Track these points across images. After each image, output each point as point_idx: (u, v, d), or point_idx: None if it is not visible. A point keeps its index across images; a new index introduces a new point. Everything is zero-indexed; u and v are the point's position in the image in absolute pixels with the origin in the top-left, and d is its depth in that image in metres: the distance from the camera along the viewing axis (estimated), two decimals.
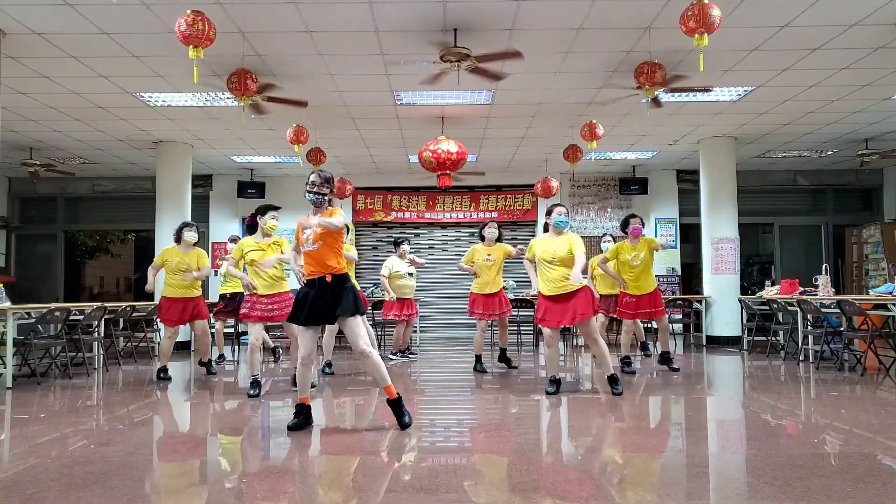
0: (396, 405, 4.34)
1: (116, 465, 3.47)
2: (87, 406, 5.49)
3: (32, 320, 6.85)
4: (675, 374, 6.94)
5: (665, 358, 7.19)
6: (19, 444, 4.08)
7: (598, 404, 5.26)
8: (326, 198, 4.30)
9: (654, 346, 9.59)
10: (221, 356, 8.63)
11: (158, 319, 7.22)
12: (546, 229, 5.78)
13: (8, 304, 6.56)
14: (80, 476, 3.26)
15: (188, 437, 4.53)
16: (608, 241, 8.59)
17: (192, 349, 9.92)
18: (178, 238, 6.90)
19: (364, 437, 4.35)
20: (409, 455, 3.78)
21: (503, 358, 7.55)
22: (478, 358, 7.39)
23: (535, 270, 5.78)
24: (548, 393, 5.64)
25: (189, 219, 10.50)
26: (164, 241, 10.27)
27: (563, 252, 5.46)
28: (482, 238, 7.36)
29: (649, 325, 9.96)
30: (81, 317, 7.34)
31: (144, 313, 8.99)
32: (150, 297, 10.29)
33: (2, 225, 12.60)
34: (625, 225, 6.98)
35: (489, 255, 7.20)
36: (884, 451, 3.70)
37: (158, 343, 9.46)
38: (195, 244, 7.00)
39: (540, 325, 5.72)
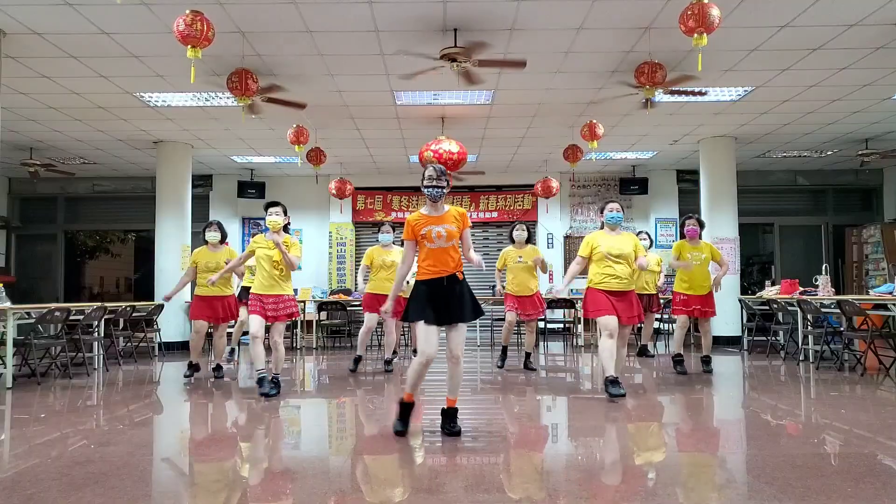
0: (451, 415, 4.23)
1: (116, 465, 3.47)
2: (87, 406, 5.49)
3: (32, 320, 6.85)
4: (710, 374, 6.89)
5: (704, 361, 7.08)
6: (19, 444, 4.08)
7: (598, 405, 5.26)
8: (444, 191, 4.27)
9: (660, 346, 9.61)
10: (232, 350, 8.63)
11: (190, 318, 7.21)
12: (602, 226, 5.83)
13: (8, 304, 6.56)
14: (80, 476, 3.26)
15: (188, 437, 4.53)
16: (644, 240, 8.53)
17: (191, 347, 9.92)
18: (205, 240, 7.03)
19: (363, 438, 4.35)
20: (409, 455, 3.78)
21: (527, 363, 7.41)
22: (503, 349, 7.56)
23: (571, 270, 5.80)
24: (611, 395, 5.29)
25: (189, 219, 10.53)
26: (164, 241, 10.29)
27: (628, 249, 5.56)
28: (512, 240, 7.38)
29: (665, 324, 9.98)
30: (81, 317, 7.34)
31: (144, 313, 8.98)
32: (151, 297, 10.36)
33: (2, 225, 12.60)
34: (682, 226, 7.13)
35: (520, 256, 7.22)
36: (884, 451, 3.70)
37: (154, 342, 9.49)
38: (222, 242, 7.04)
39: (597, 318, 5.51)
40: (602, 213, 5.76)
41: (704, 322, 7.07)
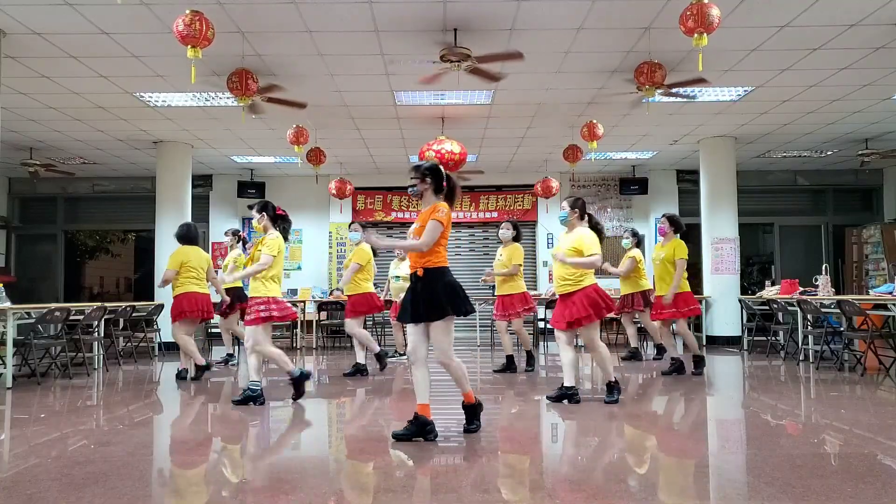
0: (467, 410, 4.21)
1: (116, 465, 3.47)
2: (87, 406, 5.49)
3: (32, 320, 6.85)
4: (659, 360, 7.16)
5: (658, 348, 7.33)
6: (19, 444, 4.08)
7: (598, 405, 5.25)
8: (417, 189, 4.04)
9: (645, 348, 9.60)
10: (230, 356, 8.60)
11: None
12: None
13: (8, 304, 6.56)
14: (80, 476, 3.25)
15: (187, 437, 4.53)
16: (627, 238, 8.52)
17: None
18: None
19: (364, 437, 4.35)
20: (409, 455, 3.78)
21: (528, 362, 7.25)
22: (509, 359, 7.17)
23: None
24: (548, 398, 5.34)
25: (189, 219, 10.51)
26: (164, 241, 10.27)
27: (564, 248, 5.27)
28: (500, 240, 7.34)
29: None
30: (81, 317, 7.34)
31: (144, 313, 8.98)
32: (151, 297, 10.35)
33: (2, 225, 12.60)
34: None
35: (501, 254, 7.07)
36: (884, 451, 3.70)
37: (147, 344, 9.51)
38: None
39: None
40: None
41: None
